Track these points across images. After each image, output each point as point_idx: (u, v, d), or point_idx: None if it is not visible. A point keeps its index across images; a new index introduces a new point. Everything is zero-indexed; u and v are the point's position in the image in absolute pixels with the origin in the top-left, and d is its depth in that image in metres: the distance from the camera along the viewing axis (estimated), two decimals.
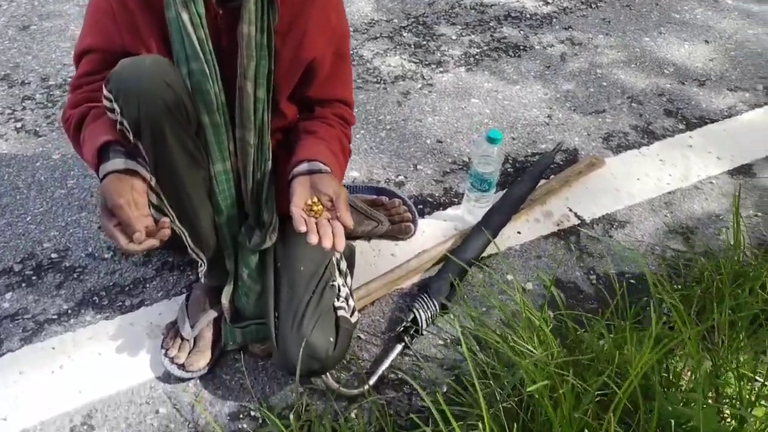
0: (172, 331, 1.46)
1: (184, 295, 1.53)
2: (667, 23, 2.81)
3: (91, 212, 1.75)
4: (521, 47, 2.55)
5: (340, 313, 1.34)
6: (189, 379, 1.39)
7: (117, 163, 1.18)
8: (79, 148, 1.30)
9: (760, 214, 1.91)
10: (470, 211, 1.79)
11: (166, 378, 1.39)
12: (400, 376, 1.42)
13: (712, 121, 2.26)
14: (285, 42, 1.30)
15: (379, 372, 1.41)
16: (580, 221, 1.84)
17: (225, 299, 1.42)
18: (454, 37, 2.59)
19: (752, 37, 2.75)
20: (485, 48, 2.53)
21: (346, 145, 1.45)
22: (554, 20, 2.73)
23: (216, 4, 1.23)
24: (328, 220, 1.19)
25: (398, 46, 2.50)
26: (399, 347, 1.46)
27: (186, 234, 1.35)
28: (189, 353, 1.41)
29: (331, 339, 1.29)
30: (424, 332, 1.51)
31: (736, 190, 1.97)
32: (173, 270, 1.61)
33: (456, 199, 1.88)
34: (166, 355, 1.41)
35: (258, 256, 1.41)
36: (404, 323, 1.49)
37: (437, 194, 1.89)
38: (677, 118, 2.26)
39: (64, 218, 1.72)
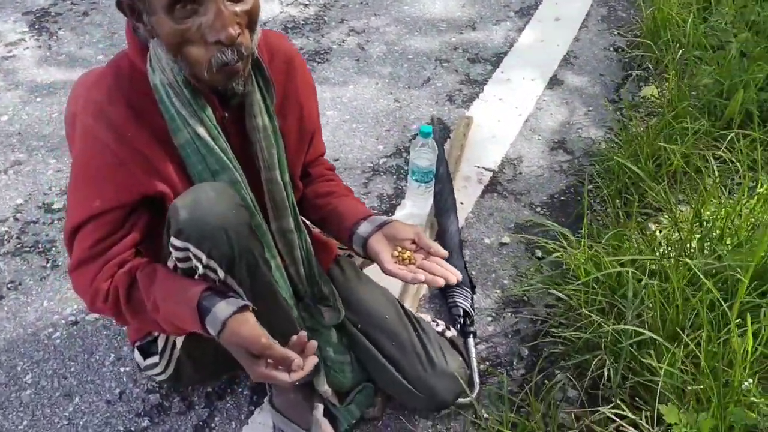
0: None
1: (264, 409, 1.43)
2: None
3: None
4: (322, 52, 2.67)
5: (447, 334, 1.41)
6: None
7: (224, 308, 1.09)
8: (139, 315, 1.15)
9: (589, 109, 2.39)
10: (416, 203, 1.93)
11: None
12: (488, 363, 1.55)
13: (504, 54, 2.68)
14: (286, 117, 1.29)
15: (477, 372, 1.51)
16: (492, 172, 2.10)
17: (324, 386, 1.38)
18: None
19: None
20: None
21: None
22: (326, 18, 2.89)
23: (220, 107, 1.17)
24: (423, 259, 1.25)
25: None
26: (471, 342, 1.57)
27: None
28: None
29: (461, 359, 1.37)
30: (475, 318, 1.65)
31: (565, 99, 2.42)
32: (223, 397, 1.48)
33: (391, 203, 1.99)
34: None
35: (334, 329, 1.39)
36: (459, 320, 1.60)
37: (375, 204, 1.98)
38: (482, 62, 2.63)
39: None
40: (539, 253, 1.82)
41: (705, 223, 1.63)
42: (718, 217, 1.61)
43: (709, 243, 1.57)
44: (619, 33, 2.83)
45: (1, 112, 2.28)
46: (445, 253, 1.25)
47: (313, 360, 1.11)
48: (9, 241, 1.82)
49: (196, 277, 1.11)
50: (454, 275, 1.21)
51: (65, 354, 1.55)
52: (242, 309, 1.09)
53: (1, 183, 2.00)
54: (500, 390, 1.47)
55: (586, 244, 1.62)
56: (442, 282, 1.19)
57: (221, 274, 1.11)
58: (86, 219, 1.13)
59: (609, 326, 1.40)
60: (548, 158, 2.17)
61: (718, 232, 1.57)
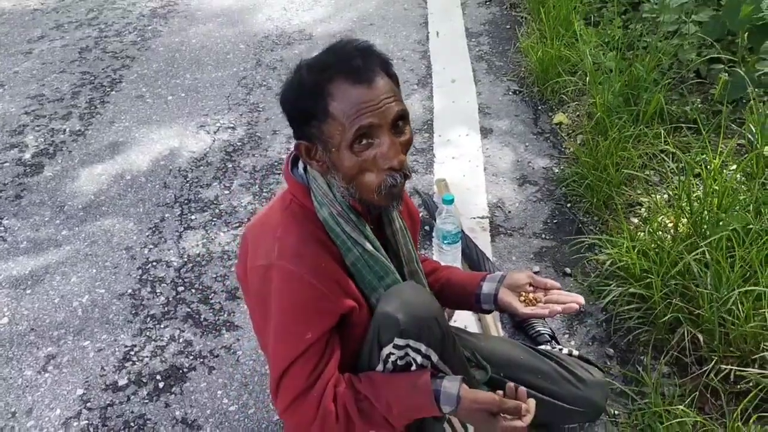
0: None
1: None
2: None
3: None
4: (276, 163, 2.82)
5: (574, 353, 1.64)
6: None
7: (451, 385, 1.26)
8: (370, 421, 1.27)
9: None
10: (447, 263, 2.15)
11: None
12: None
13: (430, 120, 3.02)
14: (403, 219, 1.47)
15: None
16: (488, 219, 2.39)
17: None
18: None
19: None
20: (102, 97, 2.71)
21: None
22: (258, 134, 3.04)
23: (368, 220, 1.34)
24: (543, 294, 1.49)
25: None
26: (565, 351, 1.81)
27: None
28: None
29: (596, 368, 1.60)
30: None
31: (501, 142, 2.80)
32: None
33: None
34: None
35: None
36: (549, 343, 1.84)
37: None
38: (417, 132, 2.95)
39: None
40: (568, 270, 2.13)
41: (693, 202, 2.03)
42: (709, 190, 2.00)
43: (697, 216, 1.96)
44: (508, 79, 3.30)
45: None
46: (558, 285, 1.49)
47: (533, 402, 1.30)
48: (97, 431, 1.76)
49: (412, 369, 1.26)
50: (579, 297, 1.46)
51: None
52: (461, 381, 1.26)
53: (47, 382, 1.91)
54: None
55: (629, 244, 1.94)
56: (576, 307, 1.43)
57: (434, 359, 1.26)
58: (300, 354, 1.23)
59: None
60: (522, 194, 2.51)
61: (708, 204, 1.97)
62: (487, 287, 1.49)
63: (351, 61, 1.16)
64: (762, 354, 1.60)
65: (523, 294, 1.46)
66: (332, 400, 1.24)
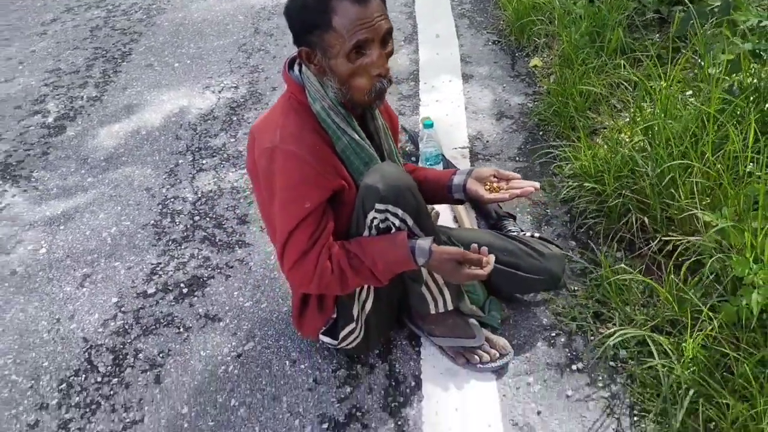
0: (462, 353, 1.78)
1: (427, 344, 1.83)
2: None
3: None
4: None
5: (536, 234, 1.91)
6: (508, 361, 1.77)
7: (424, 242, 1.55)
8: (359, 273, 1.55)
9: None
10: None
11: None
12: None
13: (416, 71, 3.29)
14: (385, 119, 1.74)
15: None
16: (468, 149, 2.66)
17: (468, 305, 1.81)
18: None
19: None
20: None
21: None
22: (259, 90, 3.32)
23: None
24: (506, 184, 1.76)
25: None
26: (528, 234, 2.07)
27: None
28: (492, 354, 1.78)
29: (554, 245, 1.87)
30: None
31: (481, 85, 3.06)
32: (390, 351, 1.86)
33: None
34: (485, 365, 1.75)
35: None
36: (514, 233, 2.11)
37: None
38: (405, 82, 3.22)
39: None
40: (538, 184, 2.39)
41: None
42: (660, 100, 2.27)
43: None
44: (488, 32, 3.57)
45: (36, 246, 2.46)
46: (519, 176, 1.76)
47: (492, 257, 1.57)
48: (132, 328, 2.05)
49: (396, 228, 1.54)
50: (536, 183, 1.73)
51: (249, 375, 1.84)
52: (432, 240, 1.54)
53: (84, 295, 2.21)
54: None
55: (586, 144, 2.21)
56: (532, 189, 1.70)
57: (410, 222, 1.54)
58: (300, 220, 1.50)
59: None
60: (499, 126, 2.78)
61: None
62: (457, 179, 1.77)
63: None
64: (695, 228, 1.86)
65: (488, 183, 1.74)
66: (328, 258, 1.52)
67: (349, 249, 1.54)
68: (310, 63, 1.50)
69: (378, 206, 1.50)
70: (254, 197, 1.70)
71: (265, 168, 1.53)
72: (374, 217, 1.53)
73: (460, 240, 1.87)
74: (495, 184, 1.73)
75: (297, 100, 1.55)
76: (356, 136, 1.57)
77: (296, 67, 1.59)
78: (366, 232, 1.56)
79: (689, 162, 1.89)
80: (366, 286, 1.67)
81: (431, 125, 2.34)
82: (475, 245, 1.60)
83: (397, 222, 1.53)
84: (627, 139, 2.36)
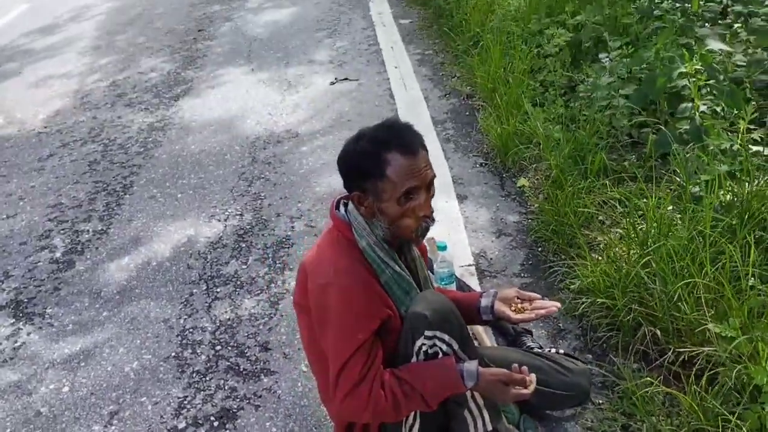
0: None
1: None
2: None
3: None
4: (284, 239, 3.22)
5: (561, 351, 2.03)
6: None
7: (470, 366, 1.66)
8: (411, 400, 1.64)
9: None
10: None
11: None
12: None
13: None
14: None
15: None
16: (474, 266, 2.81)
17: (506, 424, 1.89)
18: None
19: None
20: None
21: None
22: (264, 217, 3.46)
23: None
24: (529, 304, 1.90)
25: None
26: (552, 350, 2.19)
27: None
28: None
29: (579, 361, 1.99)
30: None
31: (477, 204, 3.27)
32: None
33: None
34: None
35: None
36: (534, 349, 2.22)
37: None
38: None
39: None
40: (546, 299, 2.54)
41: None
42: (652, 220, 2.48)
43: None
44: (474, 155, 3.83)
45: (58, 385, 2.46)
46: (539, 296, 1.91)
47: (533, 376, 1.68)
48: None
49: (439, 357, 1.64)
50: (557, 303, 1.88)
51: None
52: (478, 362, 1.65)
53: None
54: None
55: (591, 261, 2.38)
56: (555, 309, 1.85)
57: (455, 346, 1.66)
58: (354, 351, 1.61)
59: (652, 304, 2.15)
60: (499, 244, 2.96)
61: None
62: (485, 301, 1.90)
63: (403, 137, 1.62)
64: (706, 337, 2.01)
65: (513, 304, 1.88)
66: (380, 387, 1.61)
67: (399, 376, 1.64)
68: (361, 205, 1.66)
69: (427, 333, 1.62)
70: (300, 330, 1.80)
71: (319, 302, 1.64)
72: (423, 344, 1.64)
73: (492, 360, 1.97)
74: (520, 305, 1.87)
75: (344, 236, 1.69)
76: (398, 268, 1.71)
77: (341, 207, 1.75)
78: (414, 359, 1.67)
79: (693, 279, 2.07)
80: (413, 413, 1.75)
81: (445, 248, 2.50)
82: (516, 365, 1.72)
83: (444, 347, 1.65)
84: (623, 254, 2.55)
